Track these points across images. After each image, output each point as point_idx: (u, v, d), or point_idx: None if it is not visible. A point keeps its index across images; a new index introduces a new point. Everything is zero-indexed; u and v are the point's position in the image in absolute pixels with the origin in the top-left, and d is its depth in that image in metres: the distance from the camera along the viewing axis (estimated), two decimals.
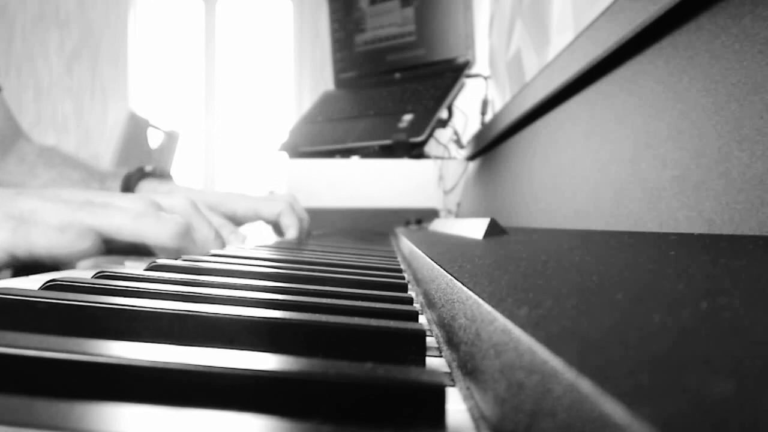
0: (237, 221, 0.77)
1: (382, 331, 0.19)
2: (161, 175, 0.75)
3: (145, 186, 0.73)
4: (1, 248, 0.39)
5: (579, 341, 0.10)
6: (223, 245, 0.56)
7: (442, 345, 0.22)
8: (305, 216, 0.84)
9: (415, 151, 1.26)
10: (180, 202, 0.53)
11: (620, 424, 0.07)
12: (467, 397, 0.16)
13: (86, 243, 0.39)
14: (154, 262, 0.35)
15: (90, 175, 0.76)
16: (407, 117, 1.28)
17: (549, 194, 0.55)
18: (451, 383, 0.18)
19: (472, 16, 1.37)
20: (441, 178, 1.27)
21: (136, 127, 2.27)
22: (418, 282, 0.37)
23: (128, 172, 0.74)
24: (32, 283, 0.30)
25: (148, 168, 0.75)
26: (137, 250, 0.53)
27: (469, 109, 1.47)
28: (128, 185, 0.72)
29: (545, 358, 0.10)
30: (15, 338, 0.14)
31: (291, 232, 0.78)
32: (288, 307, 0.23)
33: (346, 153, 1.31)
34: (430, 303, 0.28)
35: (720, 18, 0.30)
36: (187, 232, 0.45)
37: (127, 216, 0.42)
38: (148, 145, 2.35)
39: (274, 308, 0.22)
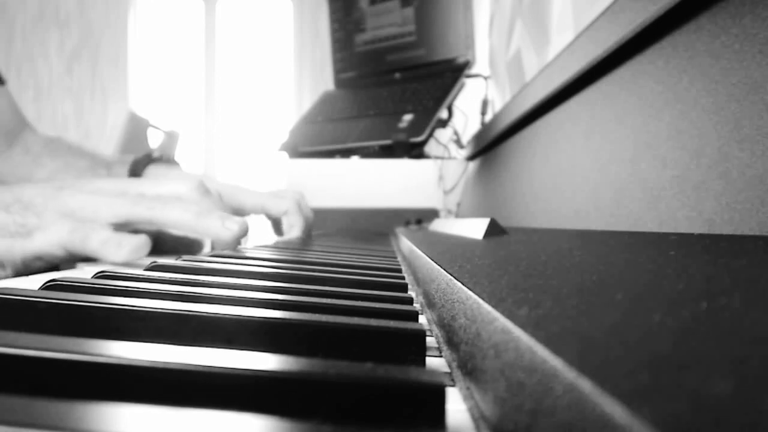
0: (243, 214, 0.77)
1: (382, 331, 0.19)
2: (168, 161, 0.75)
3: (153, 171, 0.73)
4: (59, 246, 0.40)
5: (579, 341, 0.10)
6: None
7: (442, 345, 0.22)
8: (311, 215, 0.84)
9: (415, 151, 1.26)
10: (186, 186, 0.53)
11: (620, 424, 0.07)
12: (467, 397, 0.16)
13: (140, 254, 0.40)
14: (155, 262, 0.35)
15: (96, 163, 0.76)
16: (407, 117, 1.28)
17: (549, 194, 0.55)
18: (451, 383, 0.18)
19: (472, 16, 1.37)
20: (441, 178, 1.27)
21: (136, 127, 2.27)
22: (418, 282, 0.37)
23: (135, 158, 0.74)
24: (32, 283, 0.30)
25: (156, 154, 0.75)
26: (175, 249, 0.54)
27: (469, 109, 1.47)
28: (135, 171, 0.72)
29: (545, 358, 0.10)
30: (15, 338, 0.14)
31: (294, 232, 0.78)
32: (288, 307, 0.23)
33: (346, 153, 1.31)
34: (430, 303, 0.28)
35: (720, 18, 0.30)
36: (246, 233, 0.47)
37: (188, 213, 0.44)
38: (148, 144, 2.35)
39: (274, 308, 0.22)
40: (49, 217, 0.41)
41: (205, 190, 0.49)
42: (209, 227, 0.45)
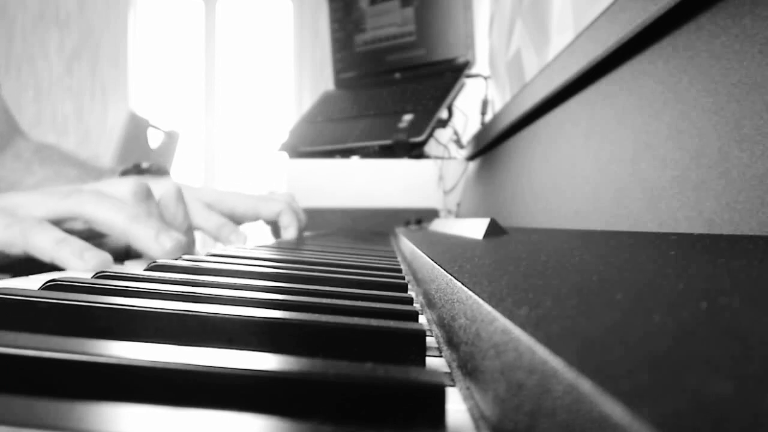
0: (236, 220, 0.77)
1: (382, 331, 0.19)
2: (157, 171, 0.75)
3: None
4: None
5: (579, 341, 0.10)
6: (190, 248, 0.54)
7: (442, 345, 0.22)
8: (303, 216, 0.85)
9: (415, 151, 1.26)
10: (162, 187, 0.51)
11: (620, 424, 0.07)
12: (467, 397, 0.16)
13: (106, 266, 0.38)
14: (154, 262, 0.35)
15: (86, 172, 0.76)
16: (407, 117, 1.28)
17: (549, 194, 0.55)
18: (451, 383, 0.18)
19: (472, 16, 1.37)
20: (441, 178, 1.26)
21: (136, 127, 2.27)
22: (418, 282, 0.37)
23: (124, 168, 0.73)
24: (32, 283, 0.30)
25: (145, 164, 0.75)
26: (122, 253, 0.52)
27: (469, 109, 1.47)
28: None
29: (545, 358, 0.10)
30: (15, 338, 0.14)
31: (290, 232, 0.79)
32: (288, 307, 0.23)
33: (346, 153, 1.31)
34: (430, 303, 0.28)
35: (720, 18, 0.30)
36: (182, 247, 0.43)
37: (121, 214, 0.40)
38: (148, 145, 2.35)
39: (274, 308, 0.22)
40: None
41: (144, 196, 0.44)
42: (140, 236, 0.40)
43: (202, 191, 0.75)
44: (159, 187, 0.52)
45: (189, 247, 0.53)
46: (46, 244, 0.36)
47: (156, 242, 0.41)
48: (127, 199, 0.44)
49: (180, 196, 0.52)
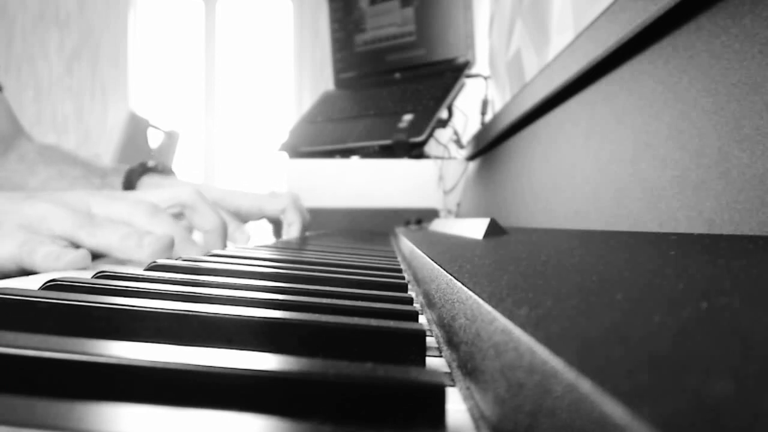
0: (240, 218, 0.77)
1: (382, 331, 0.19)
2: (163, 170, 0.75)
3: (147, 181, 0.73)
4: (11, 260, 0.39)
5: (579, 341, 0.10)
6: (226, 236, 0.56)
7: (442, 345, 0.22)
8: (307, 214, 0.85)
9: (415, 151, 1.26)
10: (185, 191, 0.53)
11: (620, 424, 0.07)
12: (467, 397, 0.16)
13: (79, 266, 0.40)
14: (155, 262, 0.35)
15: (90, 172, 0.76)
16: (407, 117, 1.28)
17: (549, 194, 0.55)
18: (451, 383, 0.18)
19: (472, 16, 1.37)
20: (441, 178, 1.26)
21: (136, 127, 2.27)
22: (418, 282, 0.37)
23: (130, 167, 0.74)
24: (32, 283, 0.30)
25: (151, 163, 0.75)
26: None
27: (469, 109, 1.47)
28: (130, 181, 0.72)
29: (545, 358, 0.10)
30: (15, 338, 0.14)
31: (294, 229, 0.79)
32: (288, 307, 0.23)
33: (346, 153, 1.31)
34: (430, 303, 0.28)
35: (720, 18, 0.30)
36: (168, 247, 0.44)
37: (115, 236, 0.43)
38: (148, 145, 2.35)
39: (274, 308, 0.22)
40: (7, 228, 0.40)
41: (154, 211, 0.47)
42: (129, 250, 0.43)
43: (208, 189, 0.75)
44: (179, 190, 0.52)
45: (223, 243, 0.54)
46: (38, 259, 0.39)
47: (140, 250, 0.43)
48: (136, 220, 0.45)
49: (203, 197, 0.53)
